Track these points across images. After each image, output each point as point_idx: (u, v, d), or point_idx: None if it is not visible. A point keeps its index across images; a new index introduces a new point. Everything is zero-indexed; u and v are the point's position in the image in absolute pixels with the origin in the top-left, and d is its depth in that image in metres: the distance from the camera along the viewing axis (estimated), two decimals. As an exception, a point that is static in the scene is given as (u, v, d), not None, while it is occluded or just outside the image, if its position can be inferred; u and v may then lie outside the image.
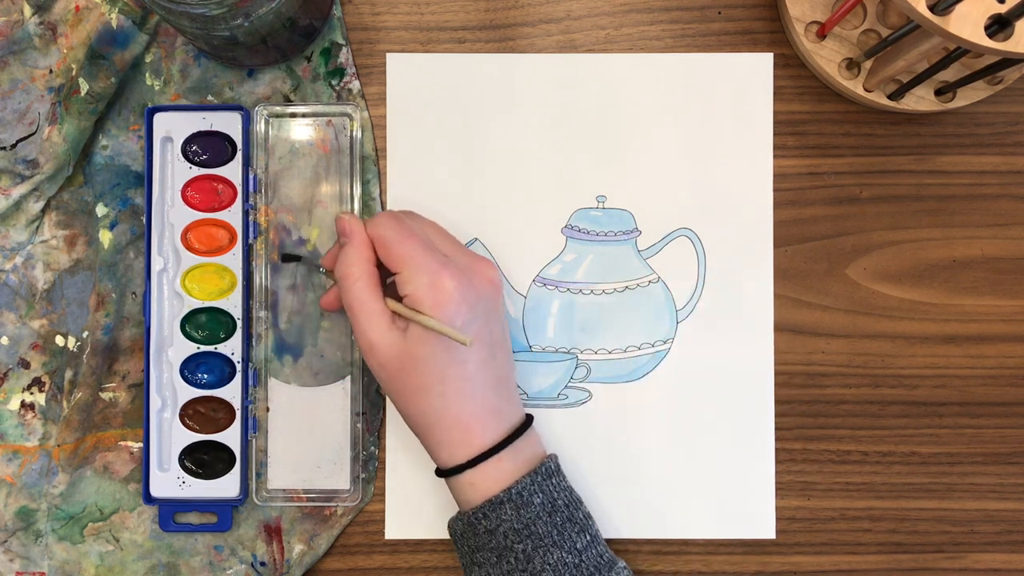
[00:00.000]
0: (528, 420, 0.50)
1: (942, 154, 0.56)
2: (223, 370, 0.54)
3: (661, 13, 0.56)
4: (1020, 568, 0.56)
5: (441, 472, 0.49)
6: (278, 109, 0.55)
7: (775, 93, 0.56)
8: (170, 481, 0.54)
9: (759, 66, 0.56)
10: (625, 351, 0.56)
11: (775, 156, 0.56)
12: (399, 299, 0.48)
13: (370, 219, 0.50)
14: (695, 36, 0.56)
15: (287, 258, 0.54)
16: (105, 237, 0.55)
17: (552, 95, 0.56)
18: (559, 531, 0.48)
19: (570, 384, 0.56)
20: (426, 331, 0.47)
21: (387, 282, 0.50)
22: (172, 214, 0.54)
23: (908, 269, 0.56)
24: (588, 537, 0.48)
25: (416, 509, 0.55)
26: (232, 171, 0.55)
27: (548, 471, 0.49)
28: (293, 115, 0.55)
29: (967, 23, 0.44)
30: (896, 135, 0.56)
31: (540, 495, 0.48)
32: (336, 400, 0.55)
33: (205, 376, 0.55)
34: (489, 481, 0.48)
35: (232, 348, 0.54)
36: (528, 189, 0.56)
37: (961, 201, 0.56)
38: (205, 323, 0.55)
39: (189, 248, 0.54)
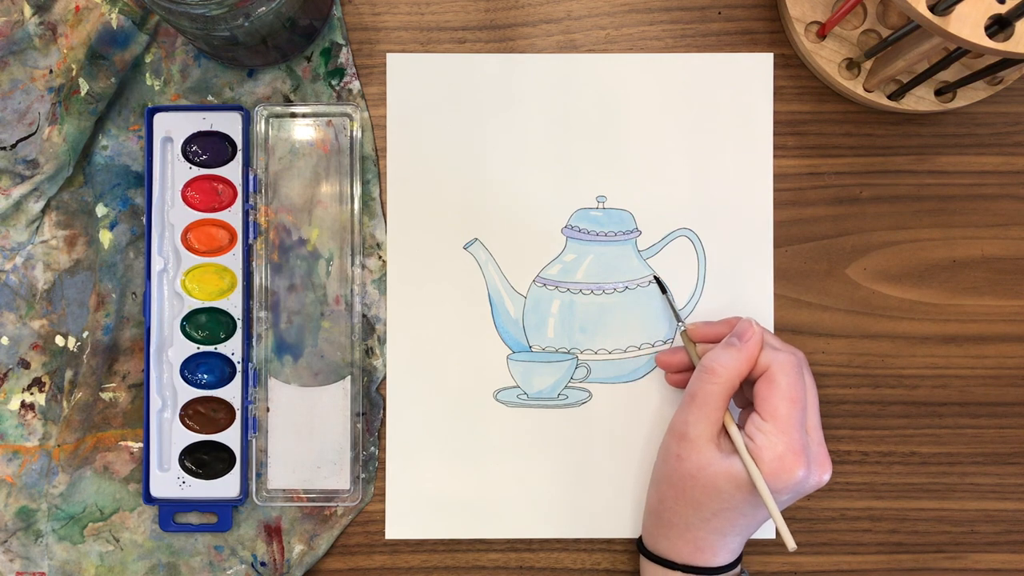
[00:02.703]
0: (740, 569, 0.51)
1: (942, 154, 0.56)
2: (223, 370, 0.55)
3: (661, 13, 0.56)
4: (1020, 568, 0.56)
5: (645, 550, 0.51)
6: (278, 109, 0.55)
7: (775, 93, 0.56)
8: (170, 481, 0.54)
9: (759, 66, 0.56)
10: (625, 351, 0.56)
11: (775, 156, 0.56)
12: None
13: (773, 348, 0.49)
14: (695, 36, 0.56)
15: (660, 284, 0.55)
16: (105, 237, 0.55)
17: (552, 95, 0.56)
18: None
19: (570, 384, 0.56)
20: (740, 475, 0.47)
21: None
22: (172, 214, 0.54)
23: (908, 269, 0.56)
24: None
25: (416, 509, 0.55)
26: (232, 171, 0.55)
27: None
28: (293, 115, 0.55)
29: (967, 23, 0.44)
30: (896, 135, 0.56)
31: None
32: (336, 400, 0.55)
33: (205, 376, 0.55)
34: None
35: (232, 348, 0.54)
36: (528, 189, 0.56)
37: (961, 201, 0.56)
38: (205, 323, 0.55)
39: (189, 248, 0.54)
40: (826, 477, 0.48)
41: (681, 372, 0.54)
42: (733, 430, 0.48)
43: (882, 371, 0.56)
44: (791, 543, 0.47)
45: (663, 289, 0.55)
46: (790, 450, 0.46)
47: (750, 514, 0.48)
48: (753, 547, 0.55)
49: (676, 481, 0.48)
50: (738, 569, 0.51)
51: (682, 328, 0.53)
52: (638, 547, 0.52)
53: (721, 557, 0.49)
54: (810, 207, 0.56)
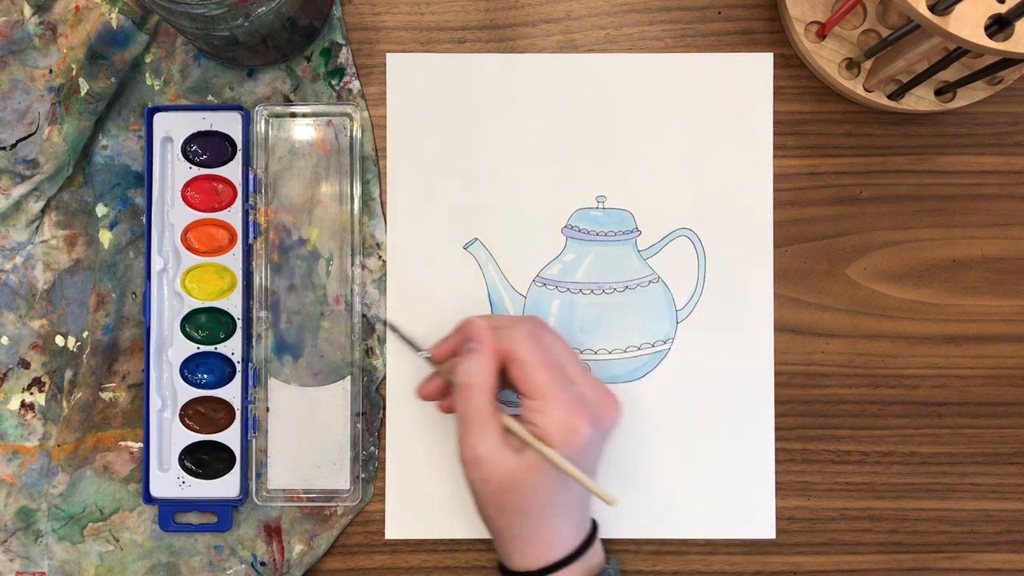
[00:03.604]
0: (594, 527, 0.51)
1: (942, 154, 0.56)
2: (223, 370, 0.55)
3: (661, 13, 0.56)
4: (1020, 568, 0.56)
5: (507, 572, 0.49)
6: (278, 109, 0.55)
7: (775, 93, 0.56)
8: (170, 481, 0.54)
9: (759, 66, 0.56)
10: (625, 351, 0.56)
11: (775, 156, 0.56)
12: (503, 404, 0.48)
13: (503, 330, 0.49)
14: (695, 36, 0.56)
15: (391, 328, 0.54)
16: (105, 237, 0.55)
17: (552, 95, 0.56)
18: None
19: (570, 384, 0.56)
20: (540, 461, 0.46)
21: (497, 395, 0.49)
22: (172, 214, 0.54)
23: (908, 269, 0.56)
24: None
25: (416, 509, 0.55)
26: (232, 171, 0.55)
27: None
28: (293, 115, 0.55)
29: (967, 23, 0.44)
30: (896, 135, 0.56)
31: None
32: (336, 400, 0.55)
33: (205, 376, 0.55)
34: None
35: (232, 348, 0.54)
36: (528, 189, 0.56)
37: (961, 201, 0.56)
38: (205, 323, 0.55)
39: (189, 248, 0.54)
40: (616, 412, 0.49)
41: (445, 397, 0.52)
42: (514, 425, 0.47)
43: (882, 371, 0.56)
44: (609, 498, 0.46)
45: (394, 329, 0.54)
46: (568, 412, 0.46)
47: (572, 488, 0.48)
48: (753, 547, 0.55)
49: (495, 502, 0.47)
50: (598, 544, 0.50)
51: (425, 355, 0.52)
52: (504, 573, 0.50)
53: (574, 537, 0.49)
54: (810, 207, 0.56)
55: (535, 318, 0.51)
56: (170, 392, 0.54)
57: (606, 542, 0.55)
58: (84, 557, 0.55)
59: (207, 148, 0.55)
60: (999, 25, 0.44)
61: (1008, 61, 0.48)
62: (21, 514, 0.55)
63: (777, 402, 0.55)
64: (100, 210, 0.55)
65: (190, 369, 0.54)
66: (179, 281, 0.54)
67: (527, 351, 0.47)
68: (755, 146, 0.56)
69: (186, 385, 0.54)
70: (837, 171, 0.56)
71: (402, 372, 0.55)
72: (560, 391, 0.47)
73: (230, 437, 0.54)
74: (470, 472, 0.48)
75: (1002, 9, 0.44)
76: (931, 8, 0.44)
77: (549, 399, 0.46)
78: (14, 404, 0.55)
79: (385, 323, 0.55)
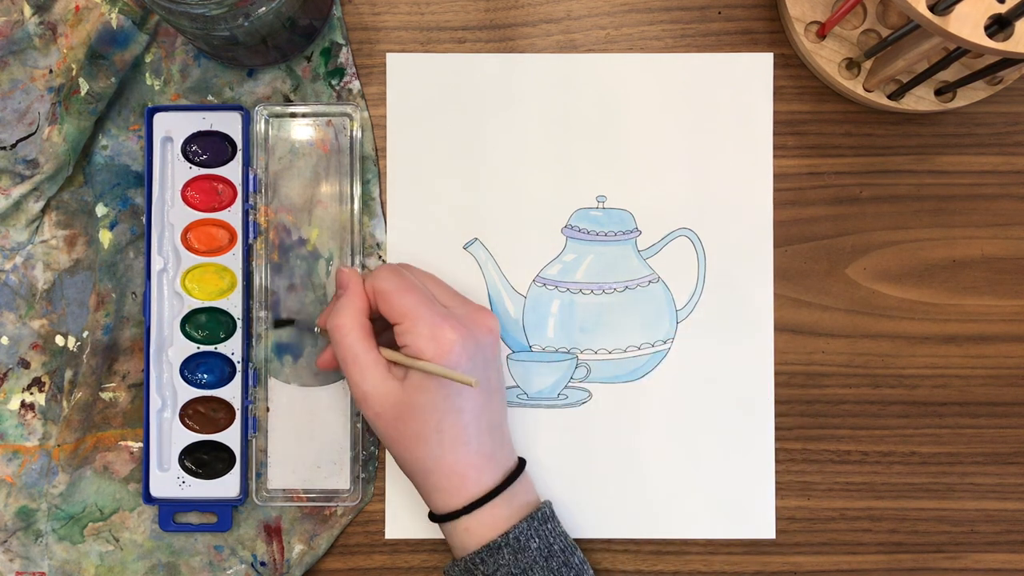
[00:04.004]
0: (521, 464, 0.51)
1: (942, 154, 0.56)
2: (223, 370, 0.55)
3: (661, 13, 0.56)
4: (1020, 568, 0.56)
5: (436, 517, 0.49)
6: (278, 109, 0.55)
7: (775, 93, 0.56)
8: (170, 481, 0.54)
9: (759, 66, 0.56)
10: (625, 351, 0.56)
11: (775, 156, 0.56)
12: (396, 350, 0.48)
13: (370, 273, 0.50)
14: (695, 36, 0.56)
15: (280, 323, 0.55)
16: (105, 237, 0.55)
17: (552, 95, 0.56)
18: (559, 574, 0.48)
19: (570, 384, 0.56)
20: (425, 379, 0.47)
21: (381, 334, 0.50)
22: (172, 214, 0.54)
23: (908, 269, 0.56)
24: None
25: (416, 509, 0.55)
26: (232, 171, 0.55)
27: (544, 516, 0.49)
28: (293, 115, 0.55)
29: (967, 23, 0.44)
30: (896, 135, 0.56)
31: (536, 540, 0.48)
32: (336, 400, 0.55)
33: (205, 376, 0.55)
34: (485, 527, 0.48)
35: (232, 348, 0.54)
36: (528, 189, 0.56)
37: (961, 201, 0.56)
38: (205, 323, 0.55)
39: (189, 248, 0.54)
40: (490, 322, 0.50)
41: (329, 354, 0.52)
42: (391, 353, 0.48)
43: (882, 371, 0.56)
44: (470, 380, 0.46)
45: (289, 323, 0.54)
46: (433, 325, 0.47)
47: (462, 407, 0.48)
48: (753, 547, 0.55)
49: (394, 435, 0.48)
50: (527, 482, 0.51)
51: (316, 329, 0.53)
52: (434, 520, 0.50)
53: (491, 471, 0.49)
54: (810, 207, 0.56)
55: (404, 263, 0.52)
56: (170, 392, 0.54)
57: (606, 541, 0.55)
58: (84, 557, 0.55)
59: (207, 148, 0.55)
60: (999, 25, 0.44)
61: (1008, 61, 0.48)
62: (21, 514, 0.55)
63: (777, 402, 0.55)
64: (100, 210, 0.55)
65: (190, 369, 0.54)
66: (179, 281, 0.54)
67: (388, 282, 0.48)
68: (755, 146, 0.56)
69: (186, 385, 0.54)
70: (837, 171, 0.56)
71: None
72: (425, 308, 0.48)
73: (230, 437, 0.54)
74: (364, 410, 0.48)
75: (1002, 9, 0.44)
76: (931, 8, 0.44)
77: (415, 318, 0.47)
78: (14, 404, 0.55)
79: (275, 323, 0.55)
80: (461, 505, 0.48)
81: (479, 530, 0.48)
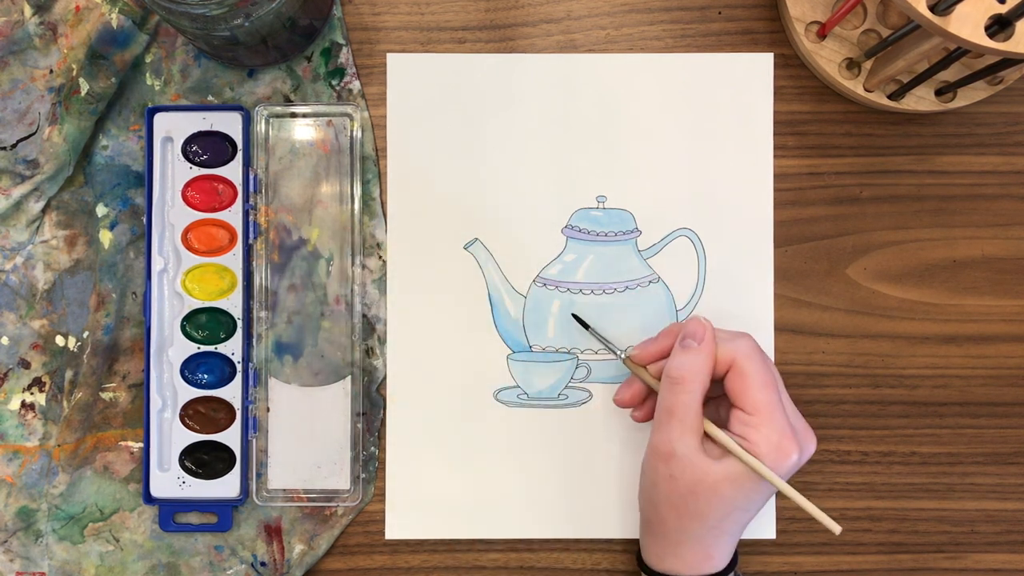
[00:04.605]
0: (736, 554, 0.51)
1: (942, 154, 0.56)
2: (223, 370, 0.55)
3: (661, 13, 0.56)
4: (1020, 568, 0.56)
5: (651, 572, 0.49)
6: (278, 109, 0.55)
7: (775, 93, 0.56)
8: (170, 481, 0.54)
9: (759, 66, 0.56)
10: (625, 351, 0.56)
11: (775, 156, 0.56)
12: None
13: (728, 340, 0.48)
14: (695, 36, 0.56)
15: (579, 320, 0.54)
16: (105, 237, 0.55)
17: (552, 95, 0.56)
18: None
19: (570, 384, 0.56)
20: (743, 475, 0.46)
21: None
22: (172, 214, 0.54)
23: (908, 269, 0.56)
24: None
25: (416, 509, 0.55)
26: (232, 171, 0.55)
27: None
28: (293, 115, 0.55)
29: (967, 23, 0.44)
30: (896, 135, 0.56)
31: None
32: (336, 400, 0.55)
33: (205, 376, 0.55)
34: None
35: (232, 348, 0.54)
36: (528, 189, 0.56)
37: (961, 201, 0.56)
38: (205, 323, 0.55)
39: (189, 248, 0.54)
40: (814, 447, 0.48)
41: (643, 405, 0.52)
42: (720, 435, 0.47)
43: (882, 371, 0.56)
44: (835, 527, 0.46)
45: (585, 326, 0.54)
46: (783, 437, 0.46)
47: (753, 508, 0.48)
48: (753, 547, 0.55)
49: (675, 501, 0.47)
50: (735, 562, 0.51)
51: (624, 355, 0.52)
52: (641, 567, 0.51)
53: (727, 556, 0.49)
54: (810, 207, 0.56)
55: (750, 336, 0.49)
56: (170, 392, 0.54)
57: (606, 542, 0.56)
58: (84, 557, 0.55)
59: (207, 148, 0.55)
60: (999, 25, 0.44)
61: (1008, 61, 0.48)
62: (21, 514, 0.55)
63: (777, 402, 0.55)
64: (100, 210, 0.55)
65: (190, 369, 0.54)
66: (179, 281, 0.54)
67: (754, 365, 0.47)
68: (755, 146, 0.56)
69: (186, 385, 0.54)
70: (837, 171, 0.56)
71: (402, 372, 0.55)
72: (778, 413, 0.46)
73: (230, 437, 0.54)
74: (661, 466, 0.47)
75: (1002, 9, 0.44)
76: (931, 8, 0.44)
77: (766, 418, 0.46)
78: (14, 404, 0.55)
79: (575, 317, 0.54)
80: (692, 574, 0.48)
81: None
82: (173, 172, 0.55)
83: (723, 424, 0.48)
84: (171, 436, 0.54)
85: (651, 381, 0.50)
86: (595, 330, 0.54)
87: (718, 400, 0.50)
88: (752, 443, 0.46)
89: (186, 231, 0.54)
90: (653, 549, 0.50)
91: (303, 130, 0.55)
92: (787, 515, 0.55)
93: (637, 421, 0.52)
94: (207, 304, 0.54)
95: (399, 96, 0.56)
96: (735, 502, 0.47)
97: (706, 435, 0.47)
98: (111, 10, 0.54)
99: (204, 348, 0.54)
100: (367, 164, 0.55)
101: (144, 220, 0.54)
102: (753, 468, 0.46)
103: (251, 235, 0.54)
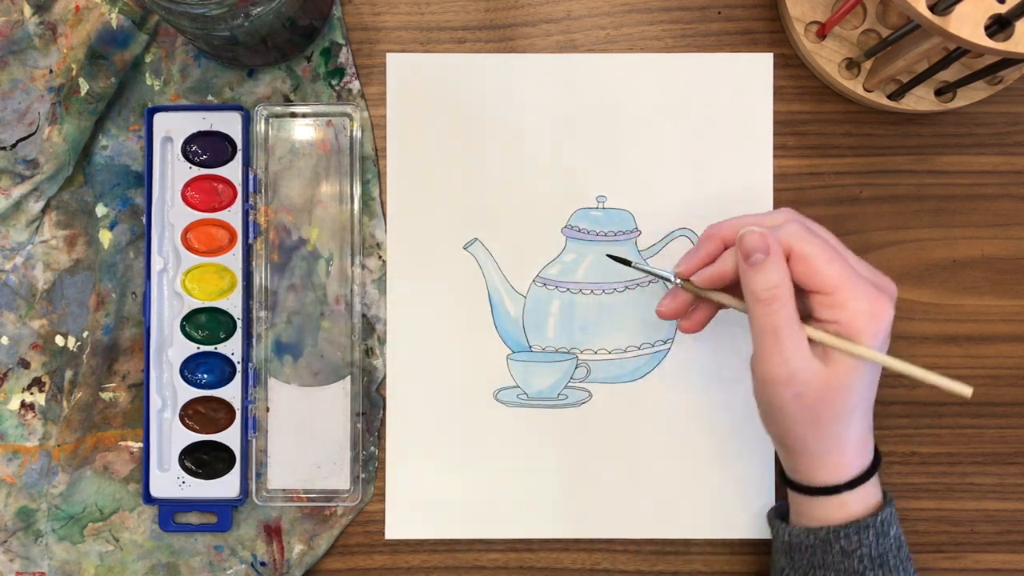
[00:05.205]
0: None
1: (942, 154, 0.56)
2: (223, 370, 0.55)
3: (661, 13, 0.56)
4: (1020, 568, 0.56)
5: (805, 488, 0.48)
6: (278, 109, 0.55)
7: (775, 93, 0.56)
8: (170, 481, 0.54)
9: (759, 66, 0.56)
10: (625, 351, 0.56)
11: (775, 156, 0.56)
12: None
13: (775, 230, 0.45)
14: (695, 36, 0.56)
15: (617, 259, 0.51)
16: (105, 237, 0.55)
17: (552, 95, 0.56)
18: (903, 568, 0.47)
19: (570, 384, 0.56)
20: (855, 359, 0.44)
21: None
22: (172, 214, 0.54)
23: (908, 269, 0.56)
24: None
25: (416, 509, 0.55)
26: (232, 171, 0.55)
27: (894, 507, 0.48)
28: (293, 115, 0.55)
29: (967, 23, 0.44)
30: (896, 135, 0.56)
31: (895, 527, 0.47)
32: (336, 400, 0.55)
33: (205, 376, 0.55)
34: (859, 504, 0.47)
35: (232, 348, 0.54)
36: (528, 189, 0.56)
37: (961, 201, 0.56)
38: (205, 323, 0.55)
39: (189, 248, 0.54)
40: (895, 288, 0.47)
41: (692, 314, 0.50)
42: (825, 338, 0.45)
43: (882, 371, 0.56)
44: (965, 389, 0.45)
45: (627, 263, 0.51)
46: (871, 301, 0.44)
47: (875, 384, 0.46)
48: (753, 547, 0.55)
49: (809, 417, 0.45)
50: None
51: (680, 283, 0.49)
52: (800, 490, 0.48)
53: (871, 443, 0.48)
54: (810, 207, 0.56)
55: (790, 210, 0.47)
56: (170, 392, 0.54)
57: (606, 542, 0.56)
58: (84, 557, 0.55)
59: (207, 148, 0.55)
60: (999, 25, 0.44)
61: (1008, 61, 0.48)
62: (21, 514, 0.55)
63: (777, 402, 0.55)
64: (100, 210, 0.55)
65: (190, 369, 0.54)
66: (179, 281, 0.54)
67: (811, 245, 0.44)
68: (755, 146, 0.56)
69: (186, 385, 0.54)
70: (837, 171, 0.56)
71: (402, 372, 0.55)
72: (854, 280, 0.44)
73: (230, 437, 0.54)
74: (782, 390, 0.45)
75: (1002, 9, 0.44)
76: (931, 8, 0.44)
77: (847, 291, 0.44)
78: (14, 404, 0.55)
79: (613, 257, 0.51)
80: (846, 480, 0.46)
81: (853, 507, 0.47)
82: (173, 172, 0.55)
83: (807, 314, 0.46)
84: (171, 436, 0.54)
85: (731, 302, 0.48)
86: (637, 264, 0.51)
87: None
88: (846, 323, 0.44)
89: (186, 231, 0.54)
90: (800, 467, 0.48)
91: (303, 130, 0.55)
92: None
93: (685, 332, 0.51)
94: (207, 304, 0.54)
95: (399, 96, 0.56)
96: (863, 387, 0.45)
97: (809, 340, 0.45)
98: (111, 10, 0.54)
99: (204, 348, 0.54)
100: (367, 164, 0.55)
101: (144, 220, 0.54)
102: (865, 357, 0.44)
103: (251, 235, 0.54)
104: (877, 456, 0.48)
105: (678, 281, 0.49)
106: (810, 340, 0.45)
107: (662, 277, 0.50)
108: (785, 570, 0.49)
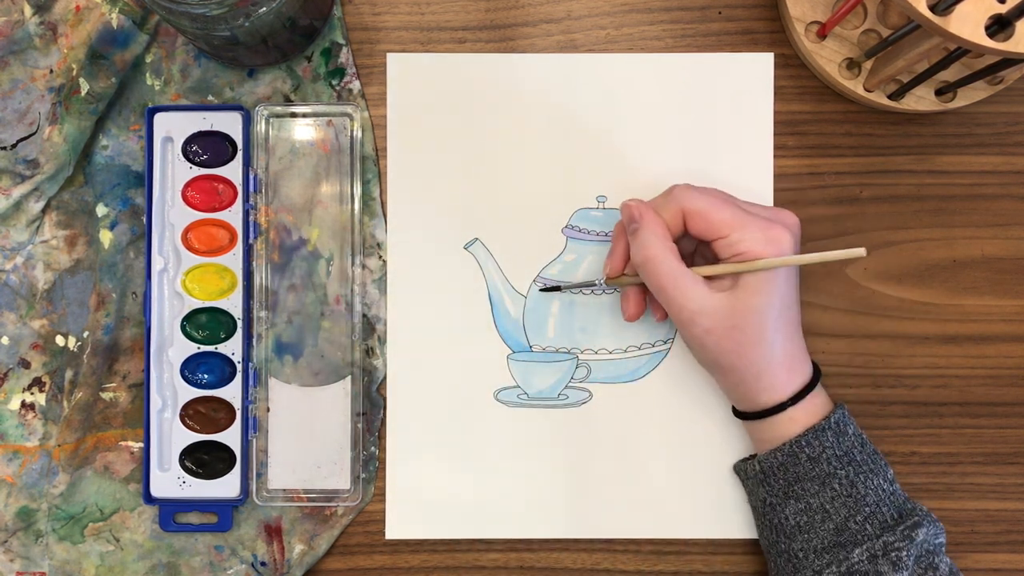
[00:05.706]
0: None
1: (942, 154, 0.56)
2: (223, 370, 0.55)
3: (661, 13, 0.56)
4: (1020, 568, 0.56)
5: (752, 415, 0.51)
6: (278, 109, 0.55)
7: (775, 93, 0.56)
8: (170, 481, 0.54)
9: (759, 66, 0.56)
10: (625, 351, 0.56)
11: (775, 156, 0.56)
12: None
13: (662, 198, 0.50)
14: (695, 36, 0.56)
15: (548, 290, 0.55)
16: (105, 237, 0.55)
17: (552, 95, 0.56)
18: (872, 460, 0.49)
19: (570, 384, 0.56)
20: (761, 281, 0.48)
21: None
22: (172, 214, 0.54)
23: (908, 269, 0.56)
24: (890, 471, 0.50)
25: (416, 509, 0.55)
26: (232, 171, 0.55)
27: (845, 409, 0.50)
28: (293, 115, 0.55)
29: (967, 23, 0.44)
30: (896, 135, 0.56)
31: (852, 426, 0.50)
32: (336, 400, 0.55)
33: (205, 376, 0.55)
34: (808, 415, 0.49)
35: (232, 348, 0.54)
36: (528, 189, 0.56)
37: (961, 201, 0.56)
38: (205, 323, 0.55)
39: (189, 248, 0.54)
40: (796, 218, 0.50)
41: (656, 308, 0.53)
42: (717, 268, 0.49)
43: (882, 371, 0.56)
44: (858, 250, 0.47)
45: (557, 288, 0.55)
46: (766, 229, 0.48)
47: (791, 300, 0.49)
48: (753, 547, 0.55)
49: (729, 347, 0.48)
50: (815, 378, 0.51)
51: (603, 280, 0.53)
52: (747, 417, 0.51)
53: (806, 360, 0.50)
54: (810, 207, 0.56)
55: (679, 184, 0.51)
56: (170, 392, 0.54)
57: (606, 542, 0.56)
58: (84, 557, 0.55)
59: (207, 148, 0.55)
60: (999, 25, 0.44)
61: (1008, 61, 0.48)
62: (21, 514, 0.55)
63: (777, 402, 0.55)
64: (100, 210, 0.55)
65: (190, 369, 0.54)
66: (179, 281, 0.54)
67: (699, 200, 0.49)
68: (755, 146, 0.56)
69: (186, 385, 0.54)
70: (837, 171, 0.56)
71: (402, 372, 0.55)
72: (745, 217, 0.48)
73: (230, 437, 0.54)
74: (693, 330, 0.49)
75: (1002, 9, 0.44)
76: (931, 8, 0.44)
77: (742, 226, 0.48)
78: (14, 404, 0.55)
79: (544, 290, 0.55)
80: (788, 396, 0.49)
81: (803, 418, 0.49)
82: (173, 172, 0.55)
83: (716, 261, 0.50)
84: (171, 436, 0.54)
85: (633, 276, 0.52)
86: (567, 284, 0.55)
87: (705, 254, 0.52)
88: (745, 253, 0.48)
89: (186, 231, 0.54)
90: (741, 395, 0.51)
91: (303, 130, 0.55)
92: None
93: (630, 320, 0.53)
94: (207, 304, 0.54)
95: (399, 96, 0.56)
96: (772, 304, 0.48)
97: (710, 278, 0.49)
98: (111, 10, 0.54)
99: (204, 348, 0.54)
100: (367, 164, 0.55)
101: (144, 220, 0.54)
102: (759, 267, 0.47)
103: (251, 235, 0.54)
104: (817, 371, 0.51)
105: (600, 282, 0.53)
106: (713, 279, 0.49)
107: (587, 285, 0.54)
108: (767, 499, 0.51)
